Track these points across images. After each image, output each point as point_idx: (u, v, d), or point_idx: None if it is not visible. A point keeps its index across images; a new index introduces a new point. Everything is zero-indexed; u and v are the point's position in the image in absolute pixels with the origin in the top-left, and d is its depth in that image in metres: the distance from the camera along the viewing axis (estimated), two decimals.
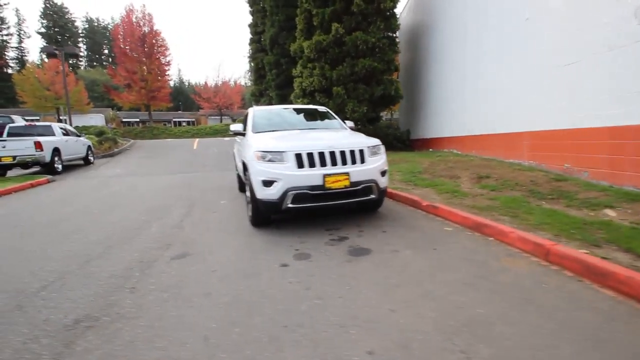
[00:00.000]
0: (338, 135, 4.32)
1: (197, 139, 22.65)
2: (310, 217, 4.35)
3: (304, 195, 3.63)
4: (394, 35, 11.57)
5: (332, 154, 3.72)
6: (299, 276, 2.66)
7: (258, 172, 3.73)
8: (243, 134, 4.93)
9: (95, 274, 2.88)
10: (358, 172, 3.74)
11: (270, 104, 17.81)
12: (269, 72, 15.05)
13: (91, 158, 13.42)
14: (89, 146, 13.42)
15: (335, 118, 5.52)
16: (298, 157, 3.67)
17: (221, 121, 43.31)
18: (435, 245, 3.22)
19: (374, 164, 3.95)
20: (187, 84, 67.42)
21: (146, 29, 30.74)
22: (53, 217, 5.09)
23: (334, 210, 4.59)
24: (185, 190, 7.15)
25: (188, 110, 53.40)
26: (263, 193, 3.69)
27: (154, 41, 30.89)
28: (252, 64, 19.08)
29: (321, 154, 3.69)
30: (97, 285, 2.66)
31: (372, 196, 3.94)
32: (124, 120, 42.00)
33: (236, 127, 5.02)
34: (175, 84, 59.06)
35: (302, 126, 5.05)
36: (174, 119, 48.50)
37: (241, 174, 5.54)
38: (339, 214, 4.50)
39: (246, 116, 5.67)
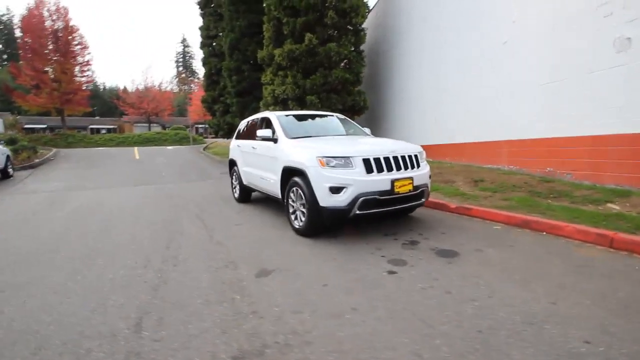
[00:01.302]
0: (384, 140, 4.36)
1: (135, 148, 20.35)
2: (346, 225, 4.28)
3: (373, 200, 3.58)
4: (361, 49, 12.14)
5: (396, 158, 3.75)
6: (422, 281, 2.61)
7: (324, 178, 3.56)
8: (272, 140, 4.64)
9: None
10: (418, 176, 3.84)
11: (226, 112, 16.97)
12: (228, 79, 14.33)
13: (10, 170, 11.10)
14: (8, 156, 11.09)
15: (356, 125, 5.55)
16: (366, 162, 3.61)
17: (150, 129, 39.61)
18: (506, 243, 3.46)
19: (426, 168, 4.10)
20: (102, 87, 60.09)
21: (60, 24, 26.86)
22: (53, 242, 4.10)
23: (368, 217, 4.56)
24: (175, 204, 6.38)
25: (105, 117, 47.54)
26: (330, 200, 3.53)
27: (69, 38, 27.12)
28: (205, 69, 17.98)
29: (387, 159, 3.70)
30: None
31: (423, 199, 4.07)
32: (26, 126, 35.53)
33: (264, 132, 4.70)
34: (87, 87, 52.37)
35: (334, 132, 4.97)
36: (91, 126, 42.78)
37: (257, 182, 5.20)
38: (370, 220, 4.40)
39: (263, 121, 5.36)
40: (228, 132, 17.13)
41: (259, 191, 5.60)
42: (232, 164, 6.59)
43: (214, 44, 17.18)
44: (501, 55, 6.98)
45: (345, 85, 11.33)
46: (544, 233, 3.70)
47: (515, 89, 6.60)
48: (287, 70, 11.26)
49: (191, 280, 2.79)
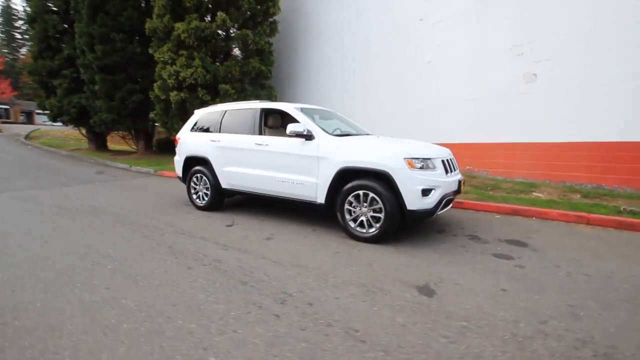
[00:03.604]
0: (422, 142, 4.47)
1: None
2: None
3: (448, 200, 3.71)
4: (271, 43, 11.58)
5: (451, 160, 3.97)
6: (545, 266, 2.96)
7: (415, 180, 3.40)
8: (303, 137, 3.97)
9: None
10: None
11: (74, 90, 12.55)
12: (87, 48, 10.53)
13: None
14: None
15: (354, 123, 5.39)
16: (443, 163, 3.68)
17: None
18: (535, 229, 4.27)
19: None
20: None
21: None
22: None
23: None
24: (105, 225, 4.51)
25: None
26: (420, 203, 3.41)
27: None
28: (34, 29, 12.52)
29: (449, 161, 3.87)
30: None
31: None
32: None
33: (297, 127, 3.92)
34: None
35: (352, 131, 4.67)
36: None
37: (263, 186, 4.37)
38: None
39: (264, 113, 4.48)
40: (77, 118, 12.81)
41: (250, 195, 4.67)
42: (194, 163, 5.19)
43: None
44: (426, 73, 8.27)
45: (259, 78, 10.62)
46: (534, 218, 4.80)
47: (445, 103, 7.98)
48: (194, 50, 9.56)
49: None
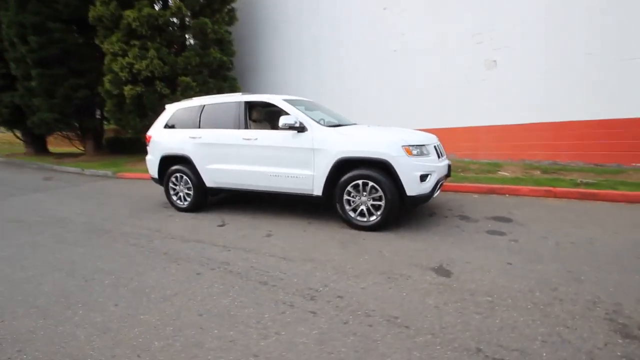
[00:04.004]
0: (400, 128, 4.57)
1: None
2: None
3: (441, 184, 3.88)
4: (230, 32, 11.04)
5: (440, 146, 4.14)
6: (541, 234, 3.24)
7: (414, 167, 3.50)
8: (295, 129, 3.88)
9: None
10: None
11: (4, 88, 10.97)
12: (18, 39, 9.12)
13: None
14: None
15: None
16: (435, 149, 3.82)
17: None
18: (518, 205, 4.62)
19: None
20: None
21: None
22: None
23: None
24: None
25: None
26: (418, 188, 3.53)
27: None
28: None
29: (438, 147, 4.03)
30: None
31: None
32: None
33: (289, 119, 3.80)
34: None
35: (336, 121, 4.63)
36: None
37: (254, 182, 4.24)
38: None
39: (249, 106, 4.31)
40: (10, 119, 11.27)
41: (238, 192, 4.51)
42: (172, 162, 4.87)
43: None
44: (393, 61, 8.46)
45: (220, 69, 10.15)
46: (507, 195, 5.20)
47: (412, 89, 8.23)
48: (148, 40, 8.84)
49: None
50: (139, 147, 13.49)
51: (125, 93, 8.67)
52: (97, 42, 9.21)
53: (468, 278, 2.56)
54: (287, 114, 4.02)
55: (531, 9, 6.55)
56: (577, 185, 5.21)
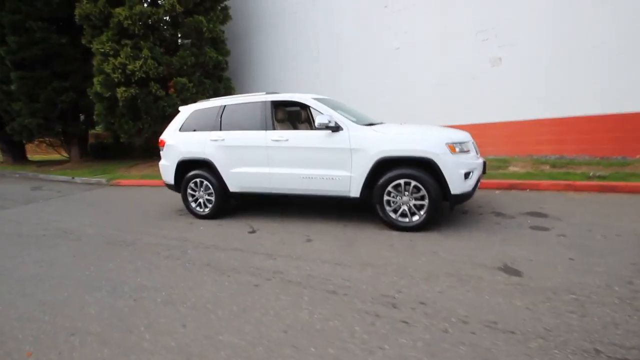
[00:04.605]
0: (434, 125, 4.51)
1: None
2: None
3: (478, 182, 3.85)
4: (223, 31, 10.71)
5: (474, 143, 4.11)
6: (585, 229, 3.25)
7: (459, 164, 3.44)
8: (329, 129, 3.74)
9: None
10: None
11: None
12: None
13: None
14: None
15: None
16: (473, 145, 3.78)
17: None
18: (549, 200, 4.66)
19: None
20: None
21: None
22: None
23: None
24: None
25: None
26: (463, 186, 3.47)
27: None
28: None
29: (474, 144, 4.00)
30: None
31: None
32: None
33: (323, 119, 3.65)
34: None
35: (368, 119, 4.52)
36: None
37: (286, 184, 4.06)
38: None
39: (274, 106, 4.14)
40: None
41: (265, 196, 4.32)
42: (191, 166, 4.60)
43: None
44: (396, 58, 8.45)
45: (216, 69, 9.82)
46: (528, 190, 5.26)
47: (416, 87, 8.24)
48: (141, 40, 8.42)
49: None
50: (126, 152, 12.90)
51: (118, 95, 8.20)
52: (83, 41, 8.67)
53: (540, 276, 2.51)
54: (320, 113, 3.88)
55: (535, 6, 6.68)
56: (589, 178, 5.34)
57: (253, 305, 2.30)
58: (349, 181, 3.78)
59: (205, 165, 4.49)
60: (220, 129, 4.42)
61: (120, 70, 8.09)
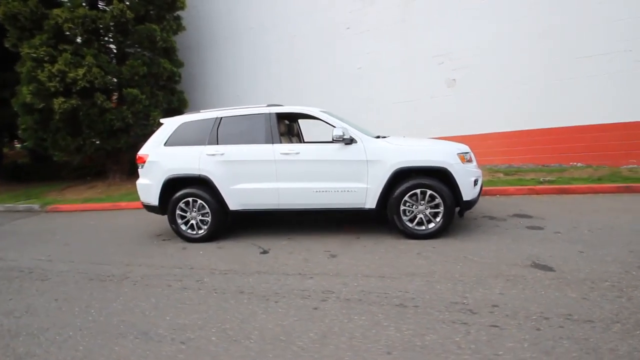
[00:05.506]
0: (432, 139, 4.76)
1: None
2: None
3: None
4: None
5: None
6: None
7: (469, 173, 3.68)
8: (342, 141, 3.71)
9: None
10: None
11: None
12: None
13: None
14: None
15: None
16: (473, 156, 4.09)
17: None
18: (515, 205, 5.18)
19: None
20: None
21: None
22: None
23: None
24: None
25: None
26: (473, 192, 3.72)
27: None
28: None
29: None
30: None
31: None
32: None
33: (337, 131, 3.58)
34: None
35: (369, 133, 4.58)
36: None
37: (295, 199, 3.90)
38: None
39: (276, 118, 3.95)
40: None
41: (270, 213, 4.07)
42: (181, 184, 4.10)
43: None
44: (358, 78, 8.83)
45: (169, 81, 9.14)
46: (497, 196, 5.83)
47: (378, 105, 8.67)
48: (83, 46, 7.43)
49: None
50: (48, 173, 11.04)
51: (55, 107, 7.03)
52: (7, 44, 7.31)
53: (569, 269, 2.77)
54: (331, 126, 3.84)
55: (484, 35, 7.61)
56: (541, 183, 6.17)
57: (331, 330, 2.11)
58: (365, 193, 3.77)
59: (199, 183, 4.06)
60: (217, 143, 4.07)
61: (58, 79, 6.97)
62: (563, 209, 4.66)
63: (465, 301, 2.36)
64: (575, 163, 7.12)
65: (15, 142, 15.73)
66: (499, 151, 7.79)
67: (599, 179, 5.96)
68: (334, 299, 2.52)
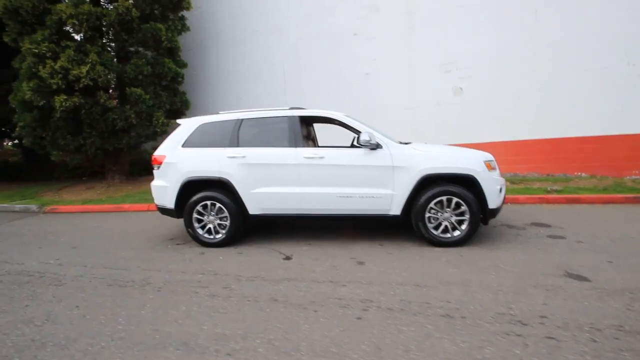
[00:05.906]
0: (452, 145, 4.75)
1: None
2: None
3: None
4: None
5: None
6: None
7: (495, 181, 3.68)
8: (368, 146, 3.67)
9: None
10: None
11: None
12: None
13: None
14: None
15: None
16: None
17: None
18: (530, 213, 5.20)
19: None
20: None
21: None
22: None
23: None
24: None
25: None
26: (497, 200, 3.71)
27: None
28: None
29: None
30: None
31: None
32: None
33: (364, 136, 3.54)
34: None
35: (392, 138, 4.54)
36: None
37: (319, 204, 3.83)
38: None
39: (295, 122, 3.91)
40: None
41: (292, 217, 3.98)
42: (200, 187, 3.99)
43: None
44: (365, 83, 8.84)
45: (173, 82, 8.98)
46: (508, 204, 5.86)
47: (385, 110, 8.68)
48: (87, 42, 7.25)
49: None
50: (42, 172, 10.68)
51: (57, 104, 6.80)
52: (6, 39, 7.06)
53: (604, 279, 2.76)
54: (356, 130, 3.80)
55: (489, 45, 7.72)
56: (548, 192, 6.25)
57: (382, 342, 2.03)
58: (390, 199, 3.72)
59: (219, 186, 3.95)
60: (238, 145, 3.97)
61: (60, 76, 6.75)
62: (578, 219, 4.70)
63: (511, 312, 2.32)
64: (579, 173, 7.24)
65: (6, 140, 15.15)
66: (504, 160, 7.83)
67: (605, 189, 6.06)
68: (375, 309, 2.44)
